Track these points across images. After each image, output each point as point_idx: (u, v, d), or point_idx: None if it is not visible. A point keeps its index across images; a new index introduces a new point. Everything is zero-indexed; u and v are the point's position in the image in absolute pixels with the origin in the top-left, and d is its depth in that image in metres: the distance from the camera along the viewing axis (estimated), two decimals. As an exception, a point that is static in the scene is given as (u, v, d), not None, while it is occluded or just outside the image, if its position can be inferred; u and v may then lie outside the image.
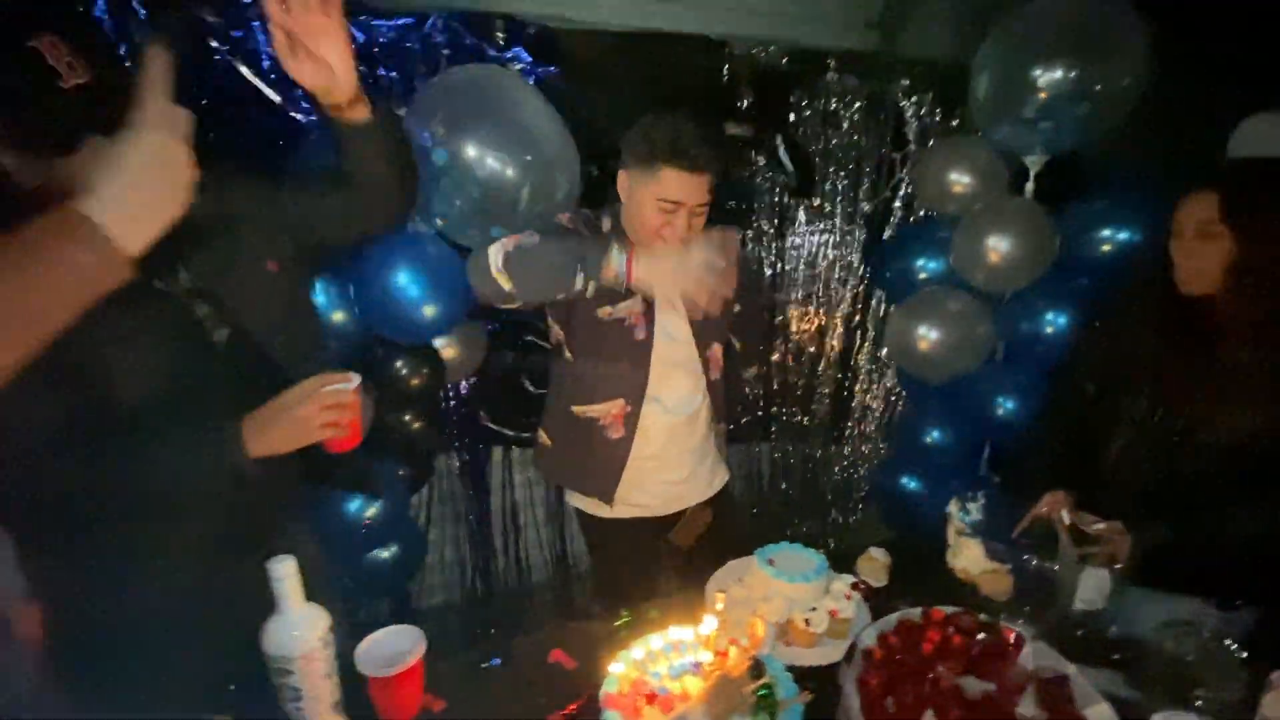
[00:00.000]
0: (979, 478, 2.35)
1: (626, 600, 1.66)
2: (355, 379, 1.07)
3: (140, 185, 0.62)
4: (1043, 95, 1.91)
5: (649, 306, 1.51)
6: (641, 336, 1.51)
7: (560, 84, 1.78)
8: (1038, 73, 1.89)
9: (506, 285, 1.34)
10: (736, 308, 1.65)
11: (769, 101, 2.08)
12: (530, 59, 1.76)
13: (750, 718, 0.90)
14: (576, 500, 1.69)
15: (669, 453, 1.62)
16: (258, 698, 0.99)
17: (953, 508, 1.40)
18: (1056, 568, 1.30)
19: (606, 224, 1.54)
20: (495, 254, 1.35)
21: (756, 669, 0.95)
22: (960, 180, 2.16)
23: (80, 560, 1.00)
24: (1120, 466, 1.42)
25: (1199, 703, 1.01)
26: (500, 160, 1.60)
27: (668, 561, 1.80)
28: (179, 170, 0.65)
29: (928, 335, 2.20)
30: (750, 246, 2.39)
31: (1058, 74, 1.88)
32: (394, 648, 1.02)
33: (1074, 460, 1.47)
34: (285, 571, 0.89)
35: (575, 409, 1.58)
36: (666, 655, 1.01)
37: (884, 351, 2.57)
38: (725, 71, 1.99)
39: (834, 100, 2.16)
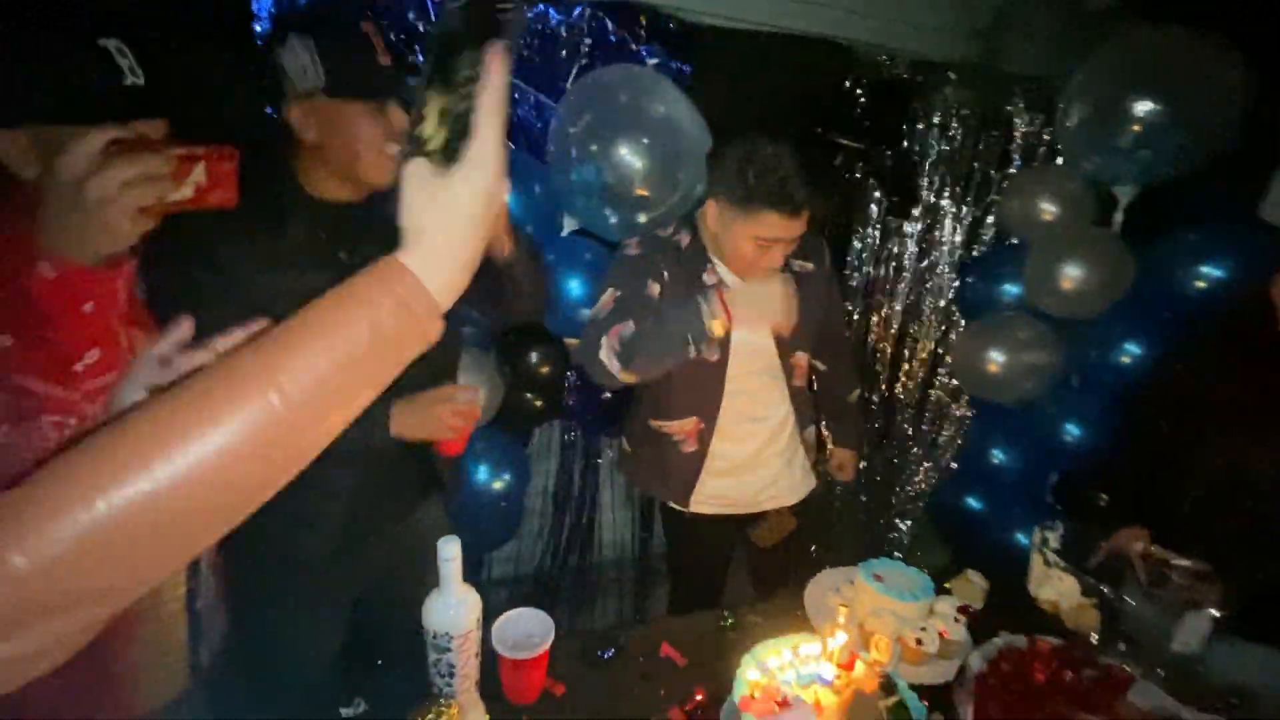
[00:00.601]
0: (1045, 506, 2.35)
1: (701, 593, 1.71)
2: (480, 392, 1.15)
3: (462, 235, 0.49)
4: (1136, 125, 1.87)
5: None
6: (716, 357, 1.52)
7: (689, 80, 1.78)
8: (1132, 101, 1.85)
9: (627, 378, 1.42)
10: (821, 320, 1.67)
11: (886, 111, 2.06)
12: (666, 54, 1.76)
13: (884, 733, 0.92)
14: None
15: (753, 458, 1.63)
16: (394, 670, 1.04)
17: (1037, 537, 1.41)
18: (1132, 603, 1.30)
19: (685, 239, 1.53)
20: (607, 355, 1.40)
21: (888, 686, 0.97)
22: (1048, 209, 2.13)
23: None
24: (1201, 510, 1.41)
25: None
26: (652, 160, 1.68)
27: (744, 560, 1.83)
28: (496, 216, 0.52)
29: (994, 359, 2.18)
30: (846, 259, 2.38)
31: (1152, 103, 1.83)
32: (524, 630, 1.06)
33: (1147, 497, 1.46)
34: (452, 552, 0.92)
35: (652, 423, 1.62)
36: (792, 663, 1.03)
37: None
38: (848, 78, 1.97)
39: (950, 114, 2.13)
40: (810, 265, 1.61)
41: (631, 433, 1.73)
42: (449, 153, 0.49)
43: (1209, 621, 1.22)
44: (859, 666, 1.00)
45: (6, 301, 0.70)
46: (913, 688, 1.12)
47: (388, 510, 1.26)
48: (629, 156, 1.69)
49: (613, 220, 1.81)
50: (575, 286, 1.99)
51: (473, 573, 2.28)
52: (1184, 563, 1.28)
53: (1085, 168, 2.06)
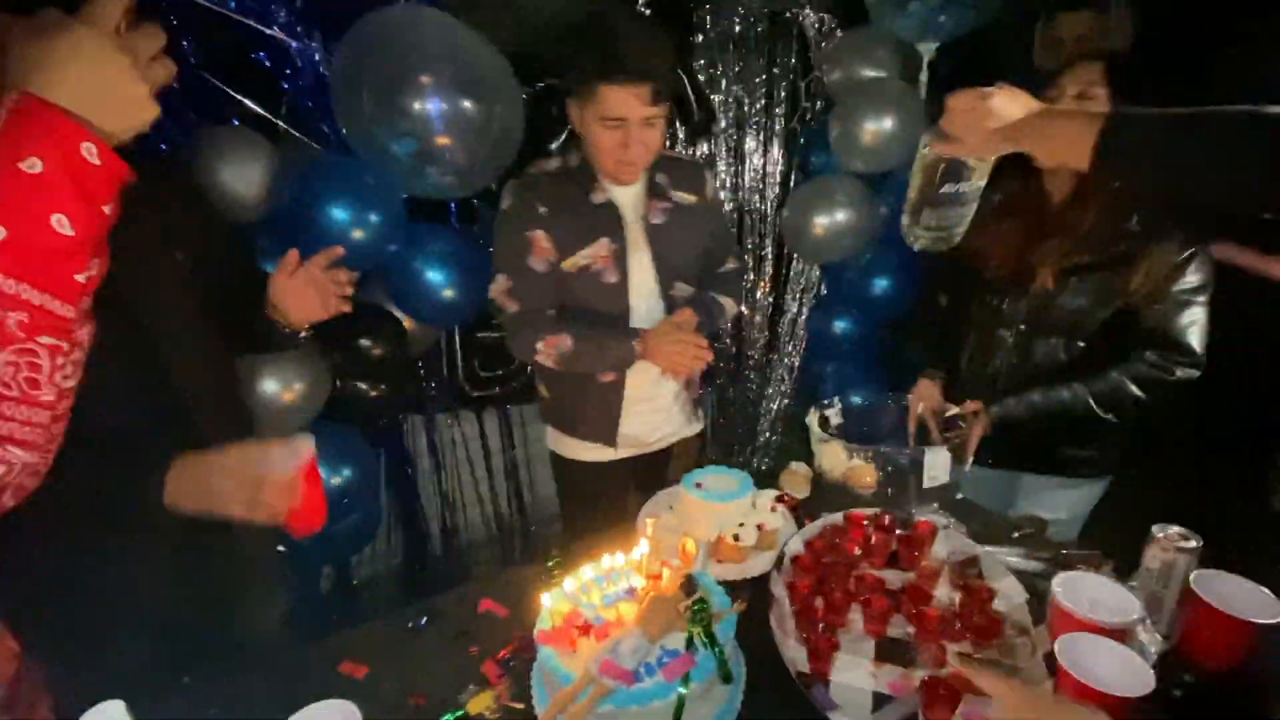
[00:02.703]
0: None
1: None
2: (307, 447, 0.92)
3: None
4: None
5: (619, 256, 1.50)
6: (614, 280, 1.50)
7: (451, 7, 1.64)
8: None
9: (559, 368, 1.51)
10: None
11: (671, 27, 2.00)
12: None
13: (686, 633, 0.89)
14: (568, 448, 1.69)
15: (653, 388, 1.63)
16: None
17: (810, 418, 1.45)
18: (893, 453, 1.36)
19: (575, 159, 1.49)
20: (543, 358, 1.49)
21: (689, 586, 0.94)
22: (868, 73, 2.16)
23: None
24: (974, 360, 1.55)
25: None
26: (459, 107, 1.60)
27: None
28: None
29: (818, 221, 2.24)
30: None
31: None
32: None
33: (939, 358, 1.59)
34: None
35: None
36: (600, 586, 0.98)
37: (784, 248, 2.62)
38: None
39: (738, 22, 2.09)
40: (691, 197, 1.57)
41: (545, 377, 1.67)
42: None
43: (948, 455, 1.29)
44: (666, 574, 0.97)
45: (7, 184, 0.55)
46: (740, 583, 1.12)
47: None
48: (424, 105, 1.58)
49: (441, 178, 1.71)
50: (434, 275, 1.91)
51: (341, 581, 2.18)
52: (955, 410, 1.38)
53: (890, 27, 2.09)
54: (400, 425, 2.24)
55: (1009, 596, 1.05)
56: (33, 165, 0.55)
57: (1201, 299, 1.31)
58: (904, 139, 2.05)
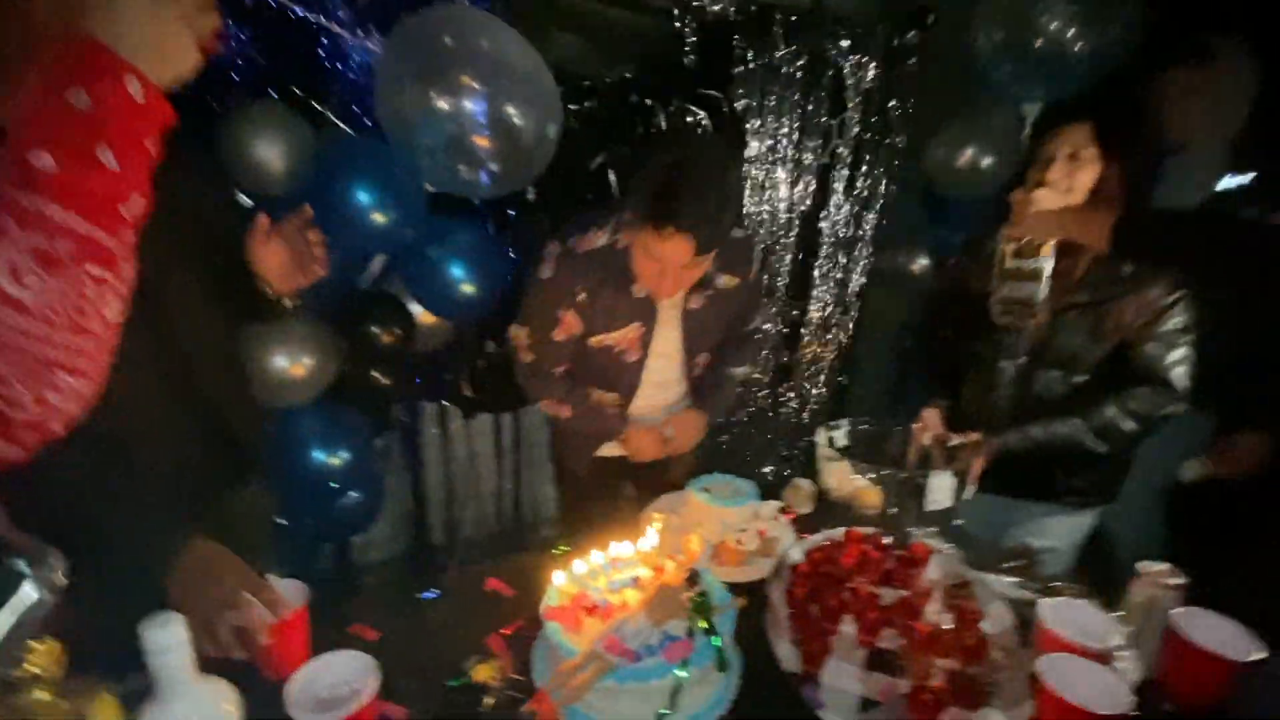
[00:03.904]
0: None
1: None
2: (291, 601, 0.86)
3: None
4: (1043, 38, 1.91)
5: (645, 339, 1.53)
6: (634, 359, 1.55)
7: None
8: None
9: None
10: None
11: (714, 55, 2.06)
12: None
13: (687, 622, 0.93)
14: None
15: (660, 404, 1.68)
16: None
17: (819, 436, 1.49)
18: (901, 475, 1.40)
19: (622, 240, 1.44)
20: (546, 410, 1.60)
21: (693, 579, 0.99)
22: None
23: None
24: (976, 393, 1.60)
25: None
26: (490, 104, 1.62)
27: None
28: None
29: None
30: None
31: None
32: (333, 680, 0.82)
33: (942, 388, 1.65)
34: (171, 641, 0.63)
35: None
36: (606, 572, 1.03)
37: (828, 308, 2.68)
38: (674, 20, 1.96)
39: (780, 57, 2.17)
40: (735, 280, 1.55)
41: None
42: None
43: (951, 480, 1.34)
44: (669, 565, 1.02)
45: (55, 116, 0.58)
46: (739, 586, 1.16)
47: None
48: (464, 102, 1.60)
49: (465, 176, 1.71)
50: (454, 270, 1.93)
51: (337, 558, 2.21)
52: (959, 440, 1.43)
53: (996, 81, 2.09)
54: (409, 413, 2.28)
55: (997, 620, 1.08)
56: (79, 97, 0.57)
57: (1188, 339, 1.37)
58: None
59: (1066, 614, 0.96)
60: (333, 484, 1.85)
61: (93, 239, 0.60)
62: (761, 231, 2.49)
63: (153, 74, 0.62)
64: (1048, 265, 1.40)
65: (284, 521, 1.79)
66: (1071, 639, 0.91)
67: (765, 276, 2.54)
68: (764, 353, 2.61)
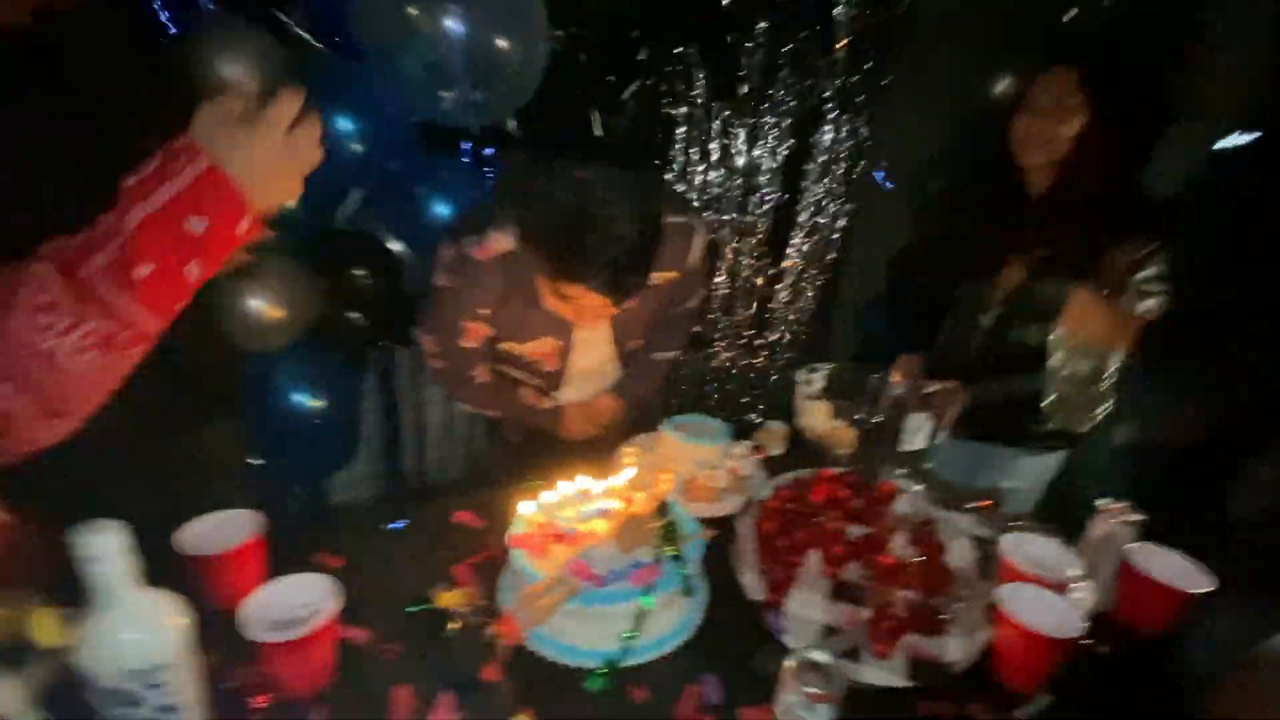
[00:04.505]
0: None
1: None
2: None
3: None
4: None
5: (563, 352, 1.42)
6: (552, 369, 1.45)
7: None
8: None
9: None
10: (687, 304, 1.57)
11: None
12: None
13: (655, 550, 0.93)
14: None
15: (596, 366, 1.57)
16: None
17: (799, 375, 1.49)
18: (877, 418, 1.41)
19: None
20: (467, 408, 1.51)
21: (662, 509, 0.99)
22: None
23: None
24: (952, 341, 1.61)
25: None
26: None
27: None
28: None
29: None
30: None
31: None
32: (289, 601, 0.78)
33: (918, 337, 1.65)
34: (108, 549, 0.61)
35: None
36: (574, 503, 1.02)
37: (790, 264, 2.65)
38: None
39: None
40: (671, 274, 1.36)
41: None
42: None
43: (927, 423, 1.35)
44: (638, 497, 1.01)
45: (171, 239, 0.62)
46: (710, 520, 1.17)
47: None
48: (447, 22, 1.48)
49: (448, 102, 1.59)
50: (437, 208, 1.86)
51: (313, 501, 2.20)
52: (935, 386, 1.43)
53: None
54: (386, 356, 2.24)
55: (960, 554, 1.11)
56: (198, 226, 0.62)
57: (1159, 290, 1.38)
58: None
59: (1027, 547, 0.98)
60: (314, 421, 1.81)
61: (150, 331, 0.65)
62: (724, 197, 2.44)
63: (261, 205, 0.66)
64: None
65: (258, 460, 1.77)
66: (1030, 570, 0.93)
67: (711, 261, 2.42)
68: (694, 330, 2.45)
